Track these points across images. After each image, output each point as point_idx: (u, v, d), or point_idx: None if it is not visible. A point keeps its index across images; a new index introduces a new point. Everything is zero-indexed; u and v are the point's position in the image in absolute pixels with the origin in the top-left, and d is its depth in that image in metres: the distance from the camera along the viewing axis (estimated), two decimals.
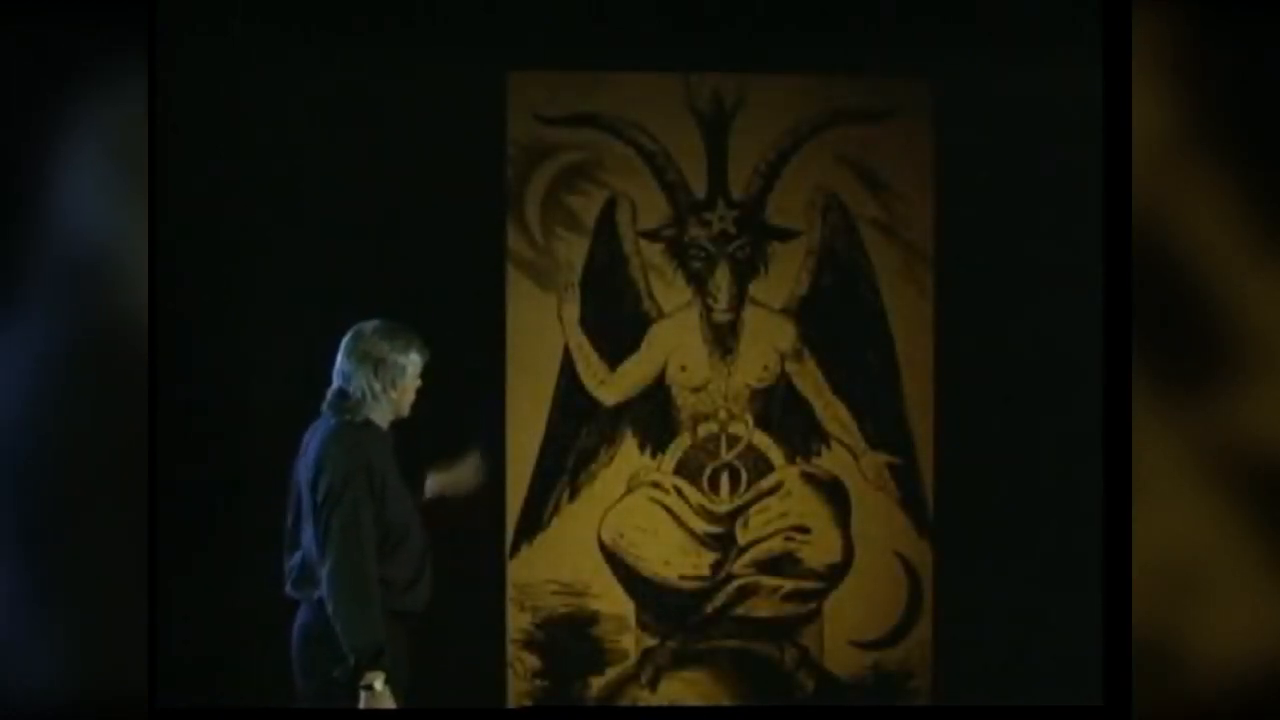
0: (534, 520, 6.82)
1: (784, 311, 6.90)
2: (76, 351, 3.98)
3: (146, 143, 4.03)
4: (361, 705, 4.87)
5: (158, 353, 4.16)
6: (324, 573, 4.92)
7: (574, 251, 6.82)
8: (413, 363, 5.12)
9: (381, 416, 5.13)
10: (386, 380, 5.09)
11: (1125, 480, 4.01)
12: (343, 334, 5.21)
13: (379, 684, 4.87)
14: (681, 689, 6.85)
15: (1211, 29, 4.08)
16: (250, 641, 5.52)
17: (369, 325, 5.15)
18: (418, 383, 5.16)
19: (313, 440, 5.10)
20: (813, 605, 6.90)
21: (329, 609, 4.90)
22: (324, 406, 5.13)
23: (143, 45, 4.04)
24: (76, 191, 4.01)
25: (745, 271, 6.88)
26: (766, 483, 6.90)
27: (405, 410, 5.17)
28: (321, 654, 4.93)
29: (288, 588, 5.11)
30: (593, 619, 6.83)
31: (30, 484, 3.97)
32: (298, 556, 5.07)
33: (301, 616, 5.07)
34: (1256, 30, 4.08)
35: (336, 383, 5.12)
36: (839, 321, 6.92)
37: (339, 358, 5.13)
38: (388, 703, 4.89)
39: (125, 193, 4.03)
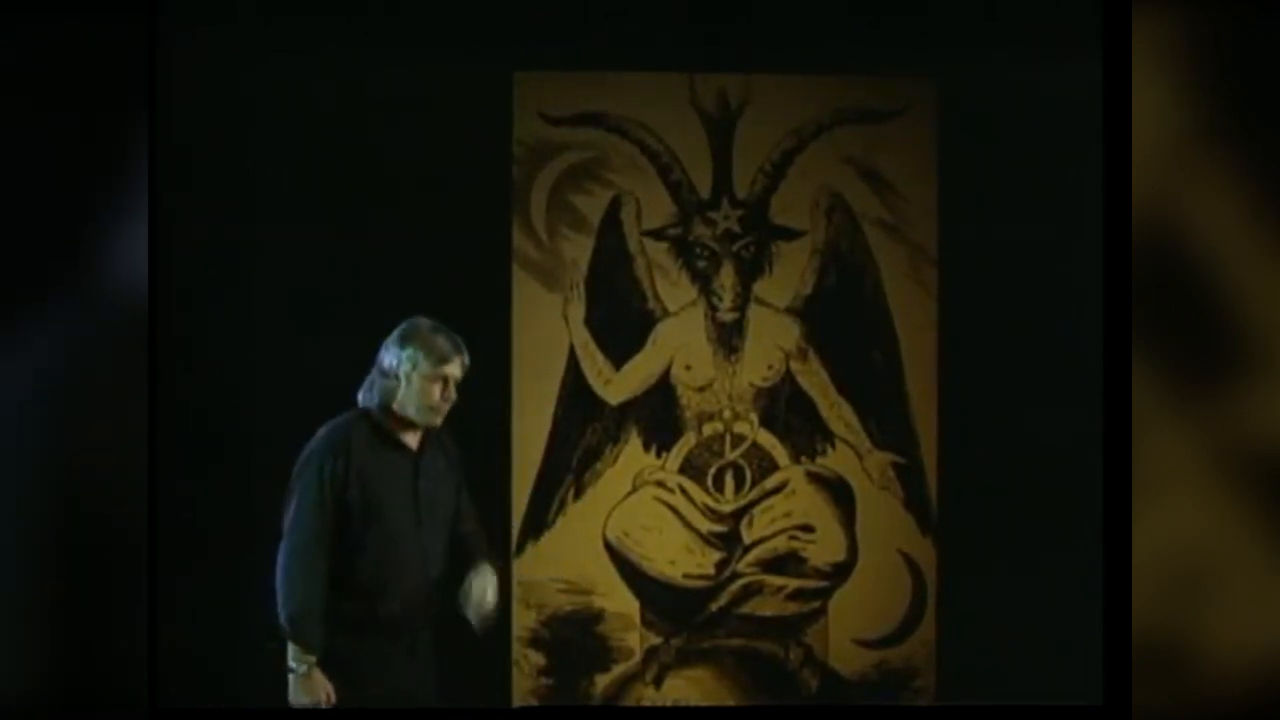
0: (539, 519, 6.79)
1: (789, 311, 6.88)
2: (76, 352, 3.96)
3: (147, 143, 3.99)
4: (290, 687, 4.89)
5: (158, 353, 4.14)
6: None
7: (579, 251, 6.81)
8: (409, 356, 5.05)
9: (387, 413, 5.07)
10: (381, 367, 5.06)
11: (1126, 479, 3.97)
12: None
13: (302, 667, 4.88)
14: (686, 687, 6.83)
15: (1212, 27, 4.04)
16: (250, 642, 5.46)
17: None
18: (434, 387, 5.06)
19: None
20: (817, 604, 6.87)
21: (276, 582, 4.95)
22: None
23: (143, 45, 4.00)
24: (76, 192, 3.97)
25: (750, 271, 6.86)
26: (771, 482, 6.87)
27: (416, 414, 5.07)
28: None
29: None
30: (598, 617, 6.80)
31: (31, 484, 3.93)
32: None
33: None
34: (1256, 27, 4.04)
35: None
36: (843, 321, 6.89)
37: None
38: (316, 688, 4.89)
39: (126, 193, 3.99)
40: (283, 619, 4.91)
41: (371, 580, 4.99)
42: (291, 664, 4.91)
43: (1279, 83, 4.04)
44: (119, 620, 3.95)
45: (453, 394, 5.10)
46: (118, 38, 3.99)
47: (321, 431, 5.06)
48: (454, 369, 5.09)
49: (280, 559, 4.95)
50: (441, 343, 5.08)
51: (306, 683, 4.91)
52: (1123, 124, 3.96)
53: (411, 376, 5.06)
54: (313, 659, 4.90)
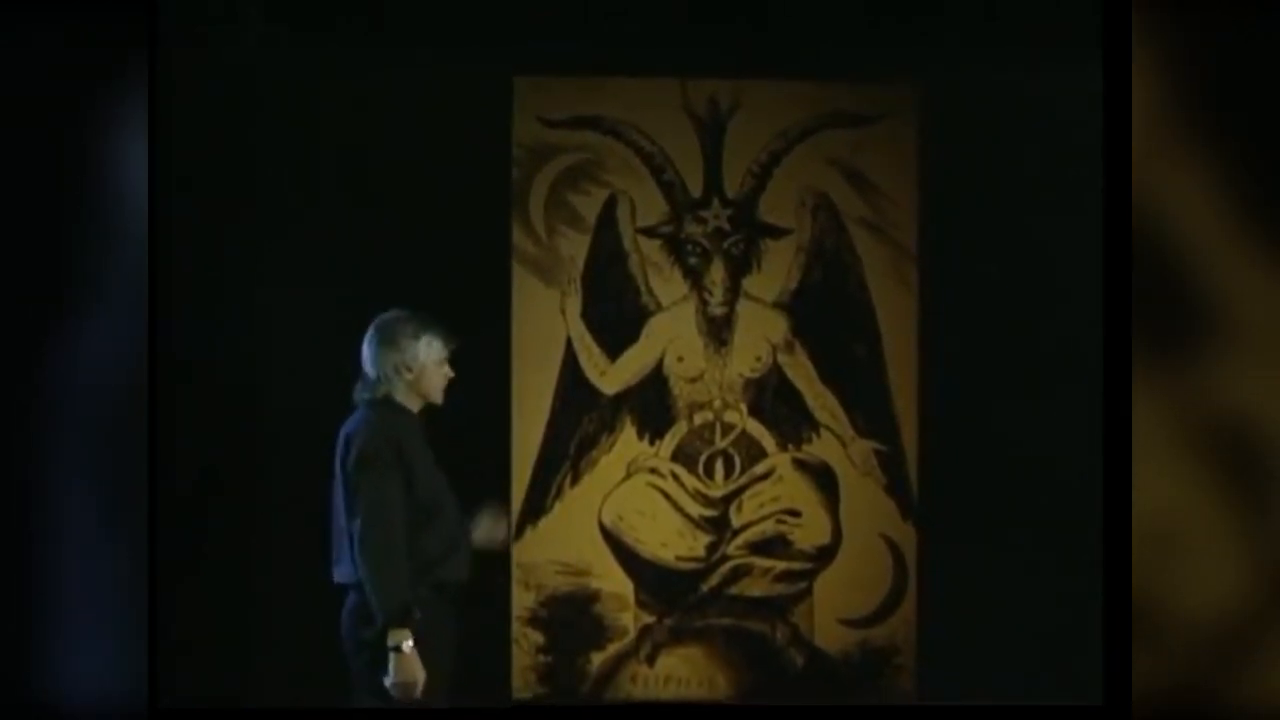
0: (538, 504, 6.60)
1: (776, 305, 6.67)
2: (76, 350, 3.67)
3: (147, 143, 3.69)
4: (390, 667, 4.71)
5: (158, 354, 3.85)
6: (355, 539, 4.80)
7: (576, 248, 6.61)
8: (426, 345, 4.98)
9: (407, 398, 4.98)
10: (401, 361, 4.96)
11: (1125, 471, 3.73)
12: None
13: (406, 645, 4.72)
14: (678, 664, 6.63)
15: (1206, 28, 3.77)
16: (251, 641, 5.29)
17: (389, 315, 5.04)
18: (444, 369, 5.02)
19: (345, 426, 4.97)
20: (803, 585, 6.66)
21: (360, 574, 4.78)
22: (354, 396, 5.02)
23: (143, 45, 3.71)
24: (76, 192, 3.67)
25: (739, 267, 6.66)
26: (759, 468, 6.67)
27: (434, 396, 5.02)
28: (372, 634, 4.79)
29: (335, 575, 4.93)
30: (593, 597, 6.61)
31: (30, 483, 3.66)
32: (345, 542, 4.91)
33: (351, 600, 4.90)
34: (1250, 26, 3.79)
35: (363, 371, 5.02)
36: (828, 315, 6.69)
37: (364, 349, 5.01)
38: (416, 664, 4.73)
39: (126, 194, 3.69)
40: (384, 608, 4.74)
41: (439, 550, 4.90)
42: (392, 644, 4.73)
43: (1268, 77, 3.77)
44: (119, 620, 3.64)
45: (449, 371, 5.06)
46: (118, 38, 3.71)
47: (365, 430, 4.90)
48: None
49: (367, 555, 4.78)
50: (441, 329, 5.03)
51: (409, 662, 4.74)
52: (1121, 120, 3.66)
53: (428, 364, 4.99)
54: (410, 636, 4.74)
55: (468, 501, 5.13)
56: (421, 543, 4.85)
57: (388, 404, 4.96)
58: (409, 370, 4.96)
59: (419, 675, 4.74)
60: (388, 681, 4.72)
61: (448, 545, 4.93)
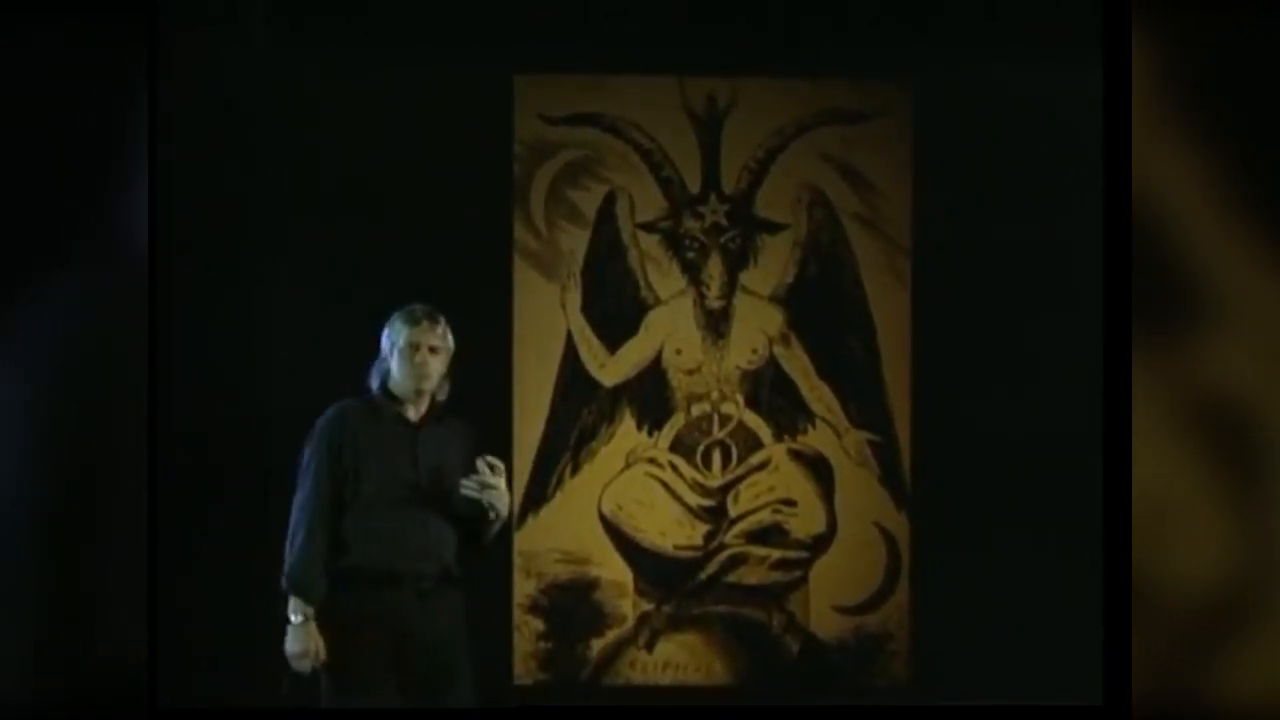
0: (538, 493, 6.53)
1: (772, 299, 6.60)
2: (76, 349, 3.56)
3: (147, 143, 3.57)
4: (287, 639, 4.64)
5: (158, 352, 3.73)
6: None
7: (576, 243, 6.55)
8: (389, 332, 4.81)
9: (382, 387, 4.82)
10: (380, 356, 4.84)
11: (1125, 463, 3.63)
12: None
13: (295, 617, 4.63)
14: (676, 651, 6.56)
15: (1206, 28, 3.66)
16: (250, 641, 5.18)
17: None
18: (413, 355, 4.77)
19: None
20: (799, 573, 6.58)
21: None
22: None
23: (143, 45, 3.60)
24: (76, 193, 3.55)
25: (736, 262, 6.59)
26: (756, 459, 6.59)
27: (402, 382, 4.79)
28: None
29: None
30: (593, 585, 6.54)
31: (30, 482, 3.55)
32: None
33: None
34: (1249, 26, 3.68)
35: None
36: (823, 309, 6.62)
37: None
38: (306, 637, 4.62)
39: (126, 194, 3.57)
40: (284, 573, 4.69)
41: (373, 537, 4.73)
42: (290, 616, 4.66)
43: (1255, 75, 3.68)
44: (119, 620, 3.51)
45: (428, 358, 4.79)
46: (118, 38, 3.60)
47: (326, 413, 4.83)
48: (427, 335, 4.79)
49: (290, 525, 4.75)
50: (415, 313, 4.84)
51: (299, 633, 4.64)
52: (1122, 123, 3.56)
53: (393, 352, 4.82)
54: (310, 611, 4.65)
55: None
56: (338, 526, 4.70)
57: (365, 395, 4.85)
58: (380, 360, 4.85)
59: (307, 647, 4.62)
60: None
61: (367, 533, 4.71)
